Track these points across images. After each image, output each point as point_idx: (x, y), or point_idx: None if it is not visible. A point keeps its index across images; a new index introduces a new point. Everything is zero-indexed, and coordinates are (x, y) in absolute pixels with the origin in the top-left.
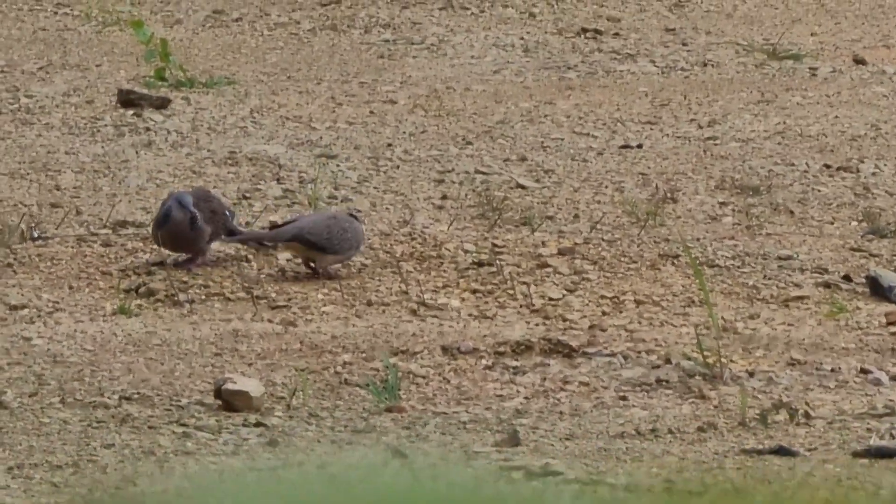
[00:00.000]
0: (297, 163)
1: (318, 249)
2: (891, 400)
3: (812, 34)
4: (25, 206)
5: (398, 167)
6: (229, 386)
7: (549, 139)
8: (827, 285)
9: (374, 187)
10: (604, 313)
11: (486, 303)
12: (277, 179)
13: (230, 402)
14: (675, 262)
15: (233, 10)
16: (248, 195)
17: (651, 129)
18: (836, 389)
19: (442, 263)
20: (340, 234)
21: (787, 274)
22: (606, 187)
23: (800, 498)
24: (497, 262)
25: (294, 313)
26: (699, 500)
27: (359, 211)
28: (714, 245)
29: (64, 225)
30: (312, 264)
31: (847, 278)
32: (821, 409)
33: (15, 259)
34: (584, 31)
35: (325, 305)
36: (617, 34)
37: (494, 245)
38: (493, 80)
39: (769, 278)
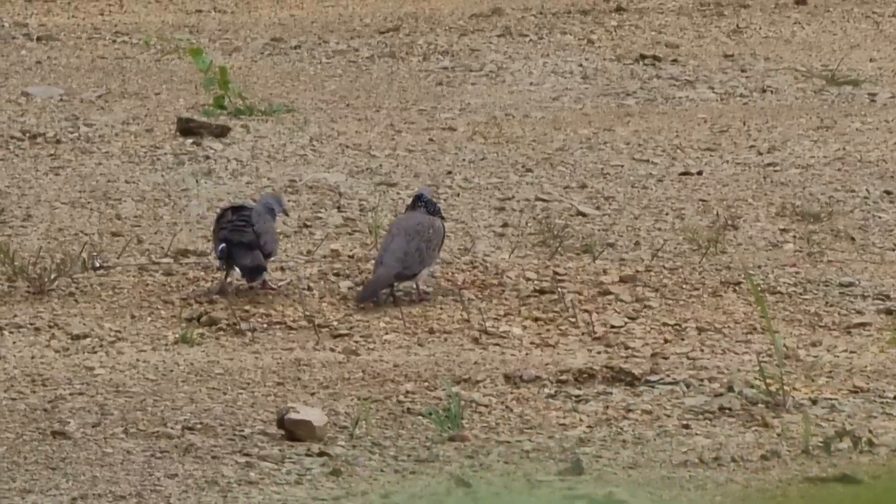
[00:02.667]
0: (357, 191)
1: (411, 277)
2: None
3: (871, 60)
4: (87, 235)
5: (458, 195)
6: (292, 415)
7: (608, 166)
8: (889, 312)
9: None
10: (666, 341)
11: (548, 330)
12: (338, 207)
13: (293, 431)
14: (737, 289)
15: (291, 37)
16: (308, 223)
17: (711, 155)
18: None
19: (503, 291)
20: (425, 250)
21: (848, 301)
22: (667, 214)
23: None
24: (558, 289)
25: (356, 342)
26: None
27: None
28: (776, 272)
29: (125, 254)
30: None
31: None
32: (884, 437)
33: (77, 288)
34: (643, 57)
35: (386, 334)
36: (675, 60)
37: (555, 272)
38: (552, 107)
39: (831, 305)
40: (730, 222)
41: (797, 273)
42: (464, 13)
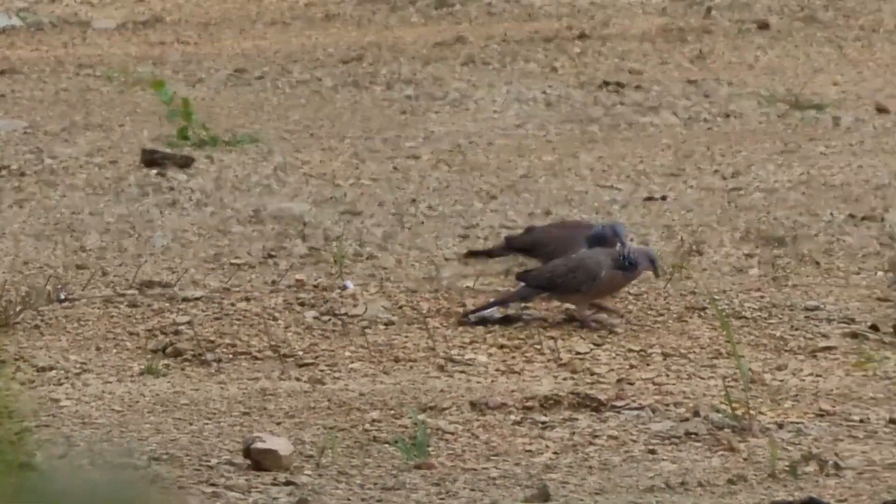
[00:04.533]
0: (321, 220)
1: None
2: None
3: (834, 84)
4: (51, 267)
5: (423, 223)
6: (258, 445)
7: (573, 192)
8: (854, 335)
9: (400, 244)
10: (631, 366)
11: (514, 357)
12: (302, 237)
13: (259, 461)
14: (702, 314)
15: (254, 68)
16: (273, 253)
17: (675, 180)
18: (866, 440)
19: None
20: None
21: (814, 324)
22: (631, 240)
23: None
24: (523, 316)
25: (322, 371)
26: None
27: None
28: (740, 297)
29: (90, 286)
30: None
31: (874, 328)
32: (850, 460)
33: (42, 321)
34: (606, 83)
35: (352, 362)
36: (639, 86)
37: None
38: (516, 135)
39: (796, 329)
40: (694, 247)
41: (762, 297)
42: (427, 42)
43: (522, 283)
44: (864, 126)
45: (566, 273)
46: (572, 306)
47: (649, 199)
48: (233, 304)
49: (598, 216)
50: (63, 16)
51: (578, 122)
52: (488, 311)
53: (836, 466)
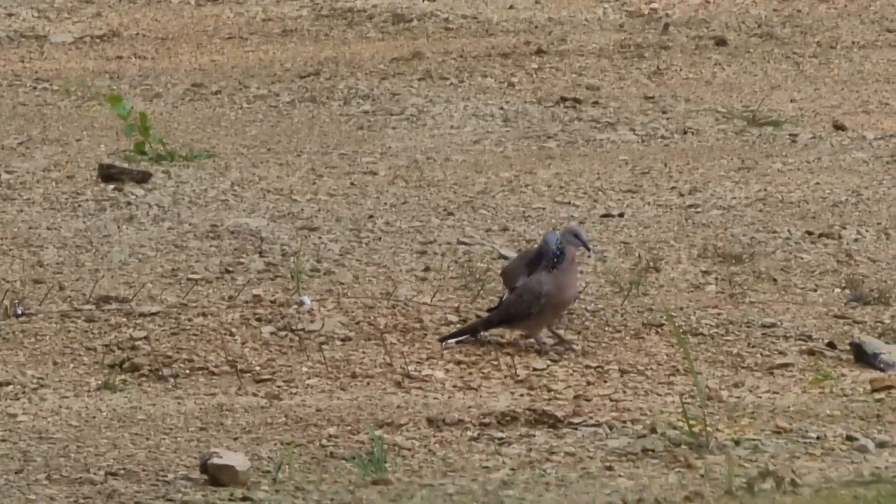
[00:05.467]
0: (279, 235)
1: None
2: (877, 467)
3: (791, 100)
4: (8, 282)
5: (380, 239)
6: (215, 460)
7: (530, 209)
8: (811, 353)
9: (357, 259)
10: (588, 383)
11: (471, 374)
12: (260, 253)
13: (216, 476)
14: (659, 331)
15: (212, 83)
16: (230, 269)
17: (632, 197)
18: (823, 457)
19: (426, 335)
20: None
21: (771, 342)
22: (589, 257)
23: None
24: (481, 332)
25: (279, 386)
26: None
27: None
28: (698, 314)
29: (47, 301)
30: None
31: (831, 345)
32: (807, 477)
33: None
34: (564, 99)
35: (309, 378)
36: (596, 103)
37: (477, 316)
38: (474, 150)
39: (753, 346)
40: (651, 264)
41: (719, 314)
42: (384, 57)
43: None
44: (821, 143)
45: (516, 301)
46: (530, 336)
47: (606, 215)
48: (190, 320)
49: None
50: (20, 30)
51: (536, 137)
52: (462, 337)
53: (793, 483)
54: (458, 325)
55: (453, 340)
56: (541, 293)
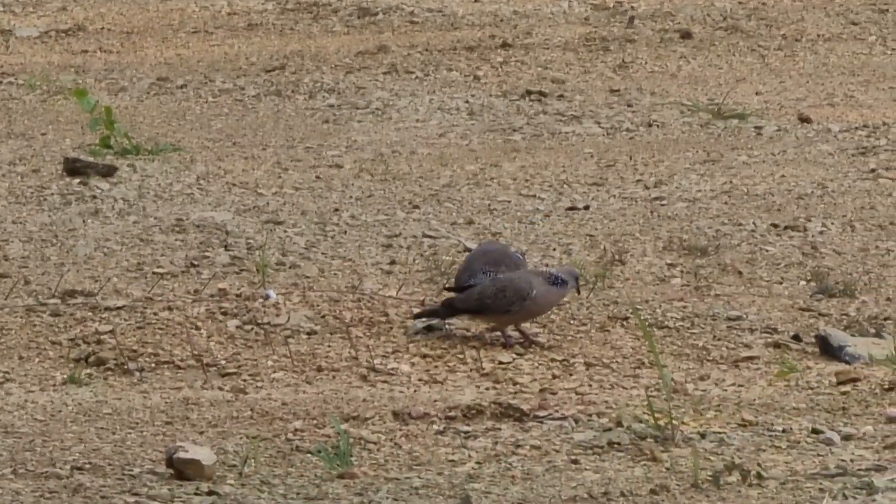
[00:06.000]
0: (244, 229)
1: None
2: (843, 460)
3: (756, 93)
4: None
5: (345, 232)
6: (181, 454)
7: (495, 202)
8: (777, 345)
9: (322, 253)
10: (554, 376)
11: (437, 367)
12: (225, 246)
13: (182, 470)
14: (625, 324)
15: (177, 77)
16: (196, 262)
17: (598, 190)
18: (788, 450)
19: (391, 328)
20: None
21: (736, 334)
22: (554, 249)
23: None
24: (446, 326)
25: (244, 380)
26: None
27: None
28: (663, 306)
29: (13, 295)
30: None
31: (797, 338)
32: (773, 470)
33: None
34: (529, 93)
35: (274, 372)
36: (562, 96)
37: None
38: (439, 144)
39: (719, 339)
40: (617, 257)
41: (685, 307)
42: (349, 51)
43: (448, 306)
44: (786, 136)
45: (496, 294)
46: (496, 330)
47: (572, 208)
48: (155, 314)
49: (521, 225)
50: None
51: (501, 131)
52: (433, 320)
53: (759, 476)
54: (423, 320)
55: (425, 319)
56: (528, 295)
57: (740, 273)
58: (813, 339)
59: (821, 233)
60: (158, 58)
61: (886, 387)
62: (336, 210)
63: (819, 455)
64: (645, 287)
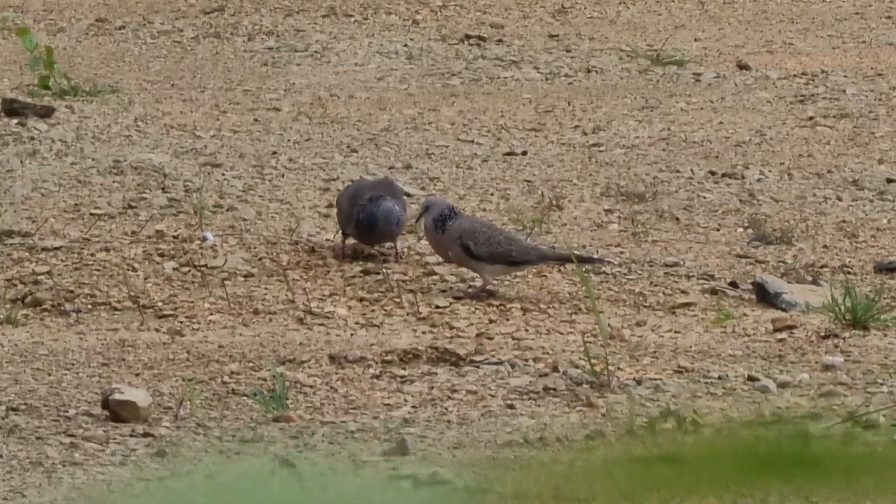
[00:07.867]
0: (182, 172)
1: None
2: (778, 407)
3: (695, 40)
4: None
5: (283, 175)
6: (116, 396)
7: (433, 146)
8: (713, 292)
9: (260, 196)
10: (490, 321)
11: (373, 311)
12: (162, 189)
13: (117, 412)
14: (562, 269)
15: (116, 18)
16: (133, 204)
17: (535, 136)
18: (724, 397)
19: (328, 272)
20: None
21: (673, 281)
22: (492, 195)
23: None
24: (383, 270)
25: (181, 322)
26: None
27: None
28: (600, 252)
29: None
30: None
31: (733, 285)
32: (708, 417)
33: None
34: (468, 37)
35: (211, 314)
36: (500, 41)
37: (380, 252)
38: (377, 88)
39: (655, 285)
40: (554, 203)
41: (622, 253)
42: None
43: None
44: (725, 83)
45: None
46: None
47: (510, 153)
48: (92, 255)
49: (459, 170)
50: None
51: (440, 75)
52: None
53: (695, 423)
54: (360, 263)
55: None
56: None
57: (677, 219)
58: (749, 286)
59: (758, 180)
60: None
61: (822, 334)
62: (274, 153)
63: (755, 402)
64: (582, 233)
